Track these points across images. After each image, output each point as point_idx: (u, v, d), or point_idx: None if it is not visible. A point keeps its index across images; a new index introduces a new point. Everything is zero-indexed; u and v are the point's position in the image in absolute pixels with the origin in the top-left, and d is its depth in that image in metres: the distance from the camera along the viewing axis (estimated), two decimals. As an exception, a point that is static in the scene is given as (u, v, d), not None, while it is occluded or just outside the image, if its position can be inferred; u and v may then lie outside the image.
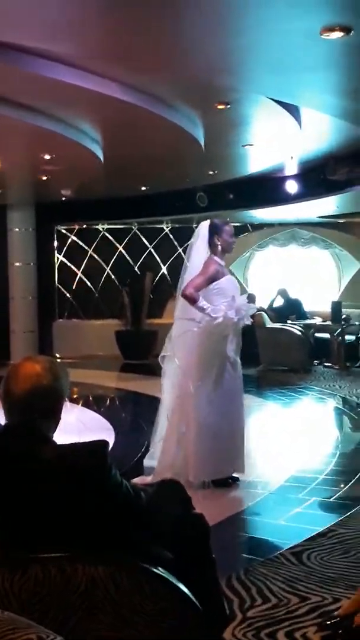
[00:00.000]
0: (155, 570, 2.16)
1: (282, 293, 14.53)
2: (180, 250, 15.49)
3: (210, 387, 5.90)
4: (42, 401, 2.39)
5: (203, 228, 6.13)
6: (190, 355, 5.99)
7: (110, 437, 7.42)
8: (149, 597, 2.11)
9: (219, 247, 6.04)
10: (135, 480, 5.58)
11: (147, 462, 6.25)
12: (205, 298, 5.83)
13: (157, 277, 15.72)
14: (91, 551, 2.18)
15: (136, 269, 15.94)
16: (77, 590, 2.06)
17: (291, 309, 14.18)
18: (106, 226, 15.90)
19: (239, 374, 6.06)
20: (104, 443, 2.33)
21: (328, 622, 3.45)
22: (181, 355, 6.01)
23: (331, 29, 4.51)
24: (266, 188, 12.20)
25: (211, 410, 5.89)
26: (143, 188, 12.69)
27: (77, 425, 8.13)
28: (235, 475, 6.01)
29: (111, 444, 6.32)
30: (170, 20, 4.63)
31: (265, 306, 14.07)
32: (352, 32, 4.54)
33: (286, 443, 7.58)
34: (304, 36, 4.69)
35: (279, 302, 14.53)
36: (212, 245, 6.05)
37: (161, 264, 16.01)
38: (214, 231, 6.06)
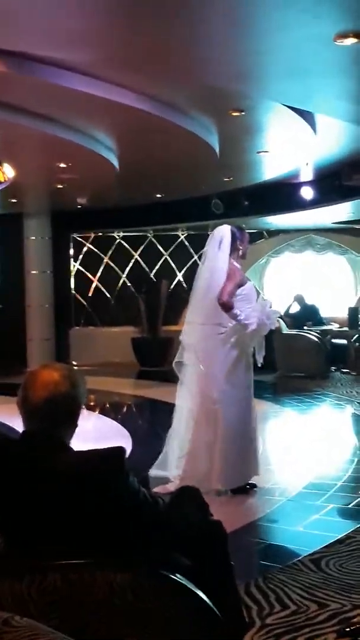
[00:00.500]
0: (173, 577, 2.16)
1: (299, 299, 14.49)
2: (195, 257, 15.49)
3: (239, 393, 5.92)
4: (59, 408, 2.40)
5: (225, 234, 6.05)
6: (216, 361, 5.96)
7: (127, 444, 7.42)
8: (168, 604, 2.11)
9: (240, 253, 6.09)
10: (157, 489, 5.59)
11: (154, 471, 6.16)
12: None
13: (173, 284, 15.72)
14: (110, 558, 2.18)
15: (152, 276, 15.96)
16: (96, 597, 2.06)
17: (308, 315, 14.14)
18: (122, 234, 15.94)
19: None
20: (121, 450, 2.34)
21: (347, 629, 3.45)
22: (206, 361, 5.97)
23: (345, 35, 4.52)
24: (281, 194, 12.20)
25: (238, 416, 5.91)
26: (158, 195, 12.71)
27: (94, 433, 8.15)
28: (252, 482, 5.99)
29: (128, 451, 6.33)
30: (185, 28, 4.65)
31: (282, 312, 14.05)
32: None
33: (304, 450, 7.55)
34: (317, 42, 4.69)
35: (295, 308, 14.49)
36: (233, 250, 6.05)
37: (177, 271, 16.02)
38: (236, 237, 6.07)
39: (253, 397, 6.12)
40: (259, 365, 6.01)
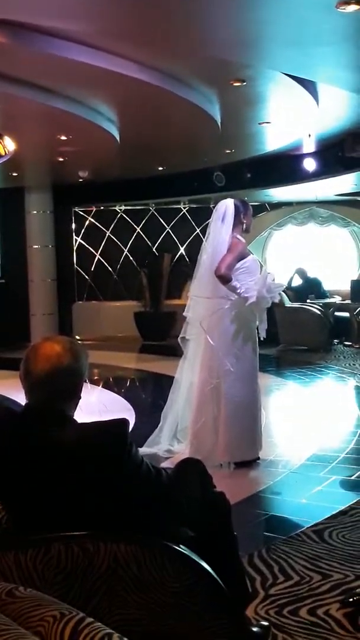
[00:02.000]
0: (177, 548, 2.16)
1: (300, 272, 14.43)
2: (198, 230, 15.45)
3: (243, 367, 5.92)
4: (62, 381, 2.39)
5: (228, 207, 6.03)
6: (223, 334, 5.95)
7: (130, 417, 7.43)
8: (171, 575, 2.12)
9: (244, 226, 6.07)
10: (165, 463, 5.62)
11: (146, 449, 6.09)
12: (234, 277, 5.84)
13: (175, 258, 15.69)
14: (114, 529, 2.18)
15: (154, 249, 15.92)
16: (100, 569, 2.07)
17: (310, 288, 14.10)
18: (123, 207, 15.88)
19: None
20: (125, 422, 2.34)
21: (350, 599, 3.47)
22: (216, 334, 5.94)
23: (347, 2, 4.44)
24: (284, 166, 12.12)
25: (242, 390, 5.91)
26: (160, 168, 12.64)
27: (98, 406, 8.16)
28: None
29: (132, 424, 6.34)
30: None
31: (285, 285, 13.99)
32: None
33: (307, 422, 7.56)
34: (319, 9, 4.62)
35: (298, 281, 14.44)
36: (237, 224, 6.03)
37: (179, 245, 15.98)
38: (239, 210, 6.04)
39: (258, 371, 6.11)
40: (262, 338, 6.01)
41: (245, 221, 6.07)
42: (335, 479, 5.54)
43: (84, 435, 2.32)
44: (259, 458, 5.99)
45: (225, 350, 5.89)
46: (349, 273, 15.32)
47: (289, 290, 13.94)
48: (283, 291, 13.03)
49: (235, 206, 6.04)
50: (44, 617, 1.55)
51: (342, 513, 4.77)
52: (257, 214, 15.55)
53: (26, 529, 2.24)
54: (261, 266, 6.33)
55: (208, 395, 5.96)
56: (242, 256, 5.93)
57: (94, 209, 15.94)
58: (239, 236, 6.01)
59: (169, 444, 6.21)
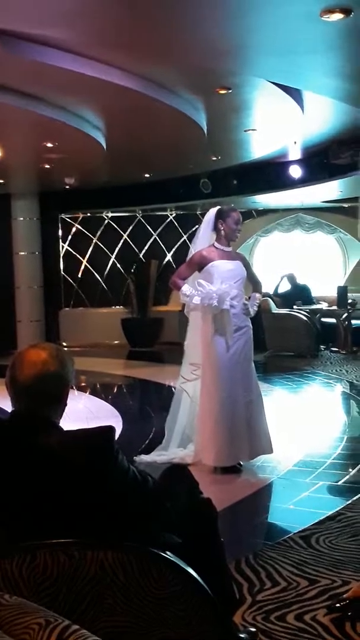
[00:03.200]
0: (164, 555, 2.16)
1: (290, 278, 14.45)
2: (185, 237, 15.47)
3: (207, 373, 5.99)
4: (48, 388, 2.39)
5: (210, 214, 6.16)
6: (198, 342, 6.15)
7: (117, 424, 7.44)
8: (158, 581, 2.11)
9: (222, 233, 6.06)
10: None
11: (144, 457, 6.16)
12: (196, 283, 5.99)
13: (163, 265, 15.69)
14: (100, 537, 2.18)
15: (141, 256, 15.92)
16: (86, 576, 2.06)
17: (298, 294, 14.13)
18: (110, 214, 15.88)
19: (240, 360, 6.01)
20: (111, 429, 2.33)
21: (337, 605, 3.48)
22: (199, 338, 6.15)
23: (331, 11, 4.48)
24: (270, 173, 12.17)
25: (210, 397, 5.95)
26: (146, 175, 12.67)
27: (85, 413, 8.16)
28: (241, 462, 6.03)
29: (119, 431, 6.35)
30: (170, 4, 4.60)
31: (271, 292, 14.04)
32: (353, 13, 4.51)
33: (294, 428, 7.58)
34: (304, 18, 4.65)
35: (286, 286, 14.46)
36: (216, 230, 6.09)
37: (166, 251, 15.99)
38: (218, 217, 6.07)
39: (249, 376, 6.06)
40: (229, 344, 5.94)
41: (222, 228, 6.05)
42: (322, 485, 5.55)
43: (70, 442, 2.32)
44: (240, 465, 5.99)
45: (190, 357, 6.16)
46: (335, 279, 15.37)
47: (276, 296, 13.99)
48: (270, 297, 13.17)
49: (216, 212, 6.11)
50: (30, 624, 1.54)
51: (329, 519, 4.78)
52: (244, 220, 15.52)
53: (12, 537, 2.24)
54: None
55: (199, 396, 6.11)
56: (200, 263, 6.01)
57: (81, 216, 15.93)
58: (218, 244, 6.05)
59: (179, 449, 6.25)
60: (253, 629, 3.23)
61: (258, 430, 6.04)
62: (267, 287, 14.13)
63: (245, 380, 6.03)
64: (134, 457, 6.06)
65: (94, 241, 16.02)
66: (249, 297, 6.22)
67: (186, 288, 6.00)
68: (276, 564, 4.06)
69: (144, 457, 6.13)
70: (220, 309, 5.86)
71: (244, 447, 5.96)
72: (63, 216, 15.87)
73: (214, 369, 5.95)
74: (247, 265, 6.27)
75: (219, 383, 5.93)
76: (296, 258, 15.72)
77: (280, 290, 14.41)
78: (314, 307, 13.71)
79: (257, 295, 6.30)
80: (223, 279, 5.93)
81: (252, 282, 6.43)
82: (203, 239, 6.19)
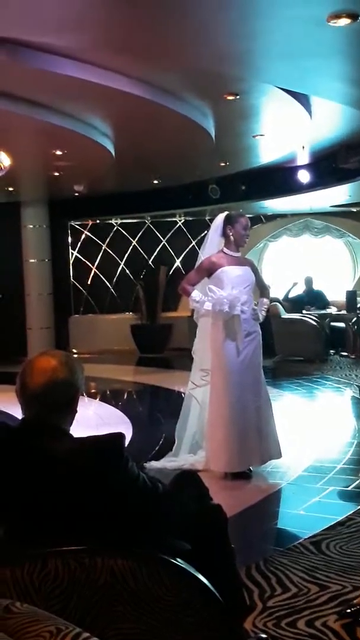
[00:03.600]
0: (174, 561, 2.17)
1: (307, 282, 14.40)
2: (194, 242, 15.49)
3: (215, 378, 6.01)
4: (58, 395, 2.40)
5: (219, 219, 6.18)
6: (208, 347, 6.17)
7: (127, 430, 7.44)
8: (168, 588, 2.12)
9: (231, 238, 6.07)
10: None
11: (154, 463, 6.18)
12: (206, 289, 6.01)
13: (172, 271, 15.71)
14: (110, 544, 2.19)
15: (150, 262, 15.95)
16: (97, 583, 2.07)
17: (311, 299, 14.11)
18: (119, 221, 15.92)
19: (250, 365, 6.02)
20: (121, 435, 2.34)
21: (348, 610, 3.47)
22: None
23: (338, 16, 4.50)
24: (278, 178, 12.17)
25: (220, 401, 5.95)
26: (155, 181, 12.68)
27: (95, 419, 8.17)
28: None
29: (128, 438, 6.35)
30: (177, 10, 4.62)
31: (281, 297, 14.03)
32: (359, 18, 4.52)
33: (304, 433, 7.57)
34: (311, 23, 4.66)
35: (297, 291, 14.42)
36: (224, 236, 6.10)
37: (175, 257, 16.01)
38: (227, 222, 6.09)
39: (258, 382, 6.08)
40: (240, 348, 5.95)
41: (231, 233, 6.06)
42: (332, 490, 5.54)
43: (80, 449, 2.33)
44: (250, 470, 5.99)
45: (200, 363, 6.20)
46: (344, 284, 15.35)
47: (286, 301, 13.98)
48: (279, 302, 13.17)
49: (225, 217, 6.13)
50: (41, 632, 1.55)
51: (340, 524, 4.78)
52: (252, 225, 15.53)
53: (22, 543, 2.25)
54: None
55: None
56: (209, 269, 6.03)
57: (90, 223, 15.97)
58: (227, 250, 6.06)
59: (189, 455, 6.26)
60: (264, 635, 3.23)
61: (267, 435, 6.04)
62: (276, 292, 14.14)
63: (255, 386, 6.04)
64: (144, 464, 6.06)
65: (103, 248, 16.06)
66: (257, 303, 6.23)
67: (196, 294, 6.02)
68: (287, 570, 4.06)
69: (154, 464, 6.14)
70: (232, 314, 5.87)
71: (255, 452, 5.96)
72: (72, 223, 15.92)
73: (224, 374, 5.95)
74: (255, 271, 6.27)
75: (230, 388, 5.93)
76: (305, 263, 15.70)
77: (292, 295, 14.38)
78: (323, 311, 13.69)
79: (266, 300, 6.31)
80: (233, 284, 5.94)
81: (261, 288, 6.44)
82: (212, 244, 6.21)
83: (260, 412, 6.01)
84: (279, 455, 6.10)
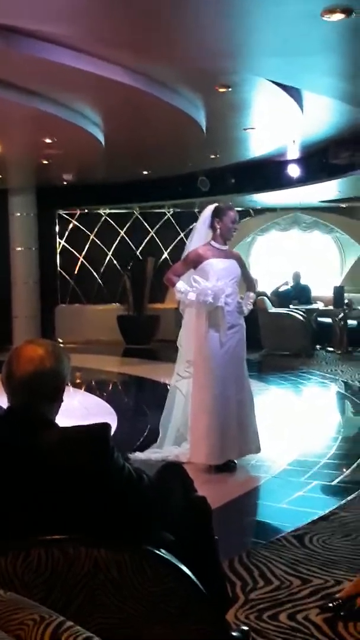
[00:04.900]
0: (157, 552, 2.16)
1: (295, 276, 14.42)
2: (182, 234, 15.48)
3: (197, 371, 6.00)
4: (44, 384, 2.39)
5: (207, 211, 6.15)
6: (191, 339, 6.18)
7: (112, 421, 7.43)
8: (152, 579, 2.12)
9: (218, 232, 6.05)
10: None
11: (139, 455, 6.16)
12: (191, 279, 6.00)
13: (159, 262, 15.69)
14: (94, 534, 2.18)
15: (138, 253, 15.92)
16: (80, 573, 2.06)
17: (297, 293, 14.12)
18: (108, 211, 15.88)
19: (233, 358, 6.01)
20: (106, 425, 2.33)
21: (330, 604, 3.49)
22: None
23: (332, 11, 4.49)
24: (268, 172, 12.17)
25: (200, 394, 5.95)
26: (145, 172, 12.66)
27: (80, 410, 8.16)
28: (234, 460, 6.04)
29: (114, 428, 6.33)
30: (170, 2, 4.60)
31: (269, 291, 14.04)
32: (353, 13, 4.51)
33: (288, 427, 7.59)
34: (305, 18, 4.66)
35: (286, 285, 14.45)
36: (212, 228, 6.09)
37: (163, 249, 16.00)
38: (215, 214, 6.06)
39: (241, 375, 6.07)
40: (222, 341, 5.94)
41: (218, 226, 6.03)
42: (316, 485, 5.56)
43: (66, 438, 2.32)
44: (234, 463, 5.99)
45: (185, 355, 6.19)
46: (331, 279, 15.38)
47: (273, 295, 13.99)
48: (266, 296, 13.18)
49: (213, 210, 6.09)
50: (24, 620, 1.54)
51: (323, 518, 4.79)
52: (241, 219, 15.57)
53: (7, 533, 2.24)
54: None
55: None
56: (195, 261, 6.02)
57: (78, 212, 15.92)
58: (214, 242, 6.05)
59: (174, 447, 6.25)
60: (246, 628, 3.23)
61: (247, 429, 6.05)
62: (264, 286, 14.16)
63: (237, 379, 6.05)
64: (129, 455, 6.06)
65: (90, 238, 16.01)
66: (244, 296, 6.22)
67: (180, 285, 6.01)
68: (269, 563, 4.06)
69: (139, 455, 6.14)
70: (215, 305, 5.87)
71: (234, 445, 5.96)
72: (60, 212, 15.86)
73: (206, 365, 5.96)
74: (242, 264, 6.27)
75: (211, 380, 5.94)
76: (293, 257, 15.72)
77: (283, 288, 14.39)
78: (310, 306, 13.72)
79: (251, 294, 6.29)
80: (218, 276, 5.93)
81: (247, 281, 6.44)
82: (199, 236, 6.19)
83: (241, 406, 6.02)
84: (257, 450, 6.10)
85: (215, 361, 5.94)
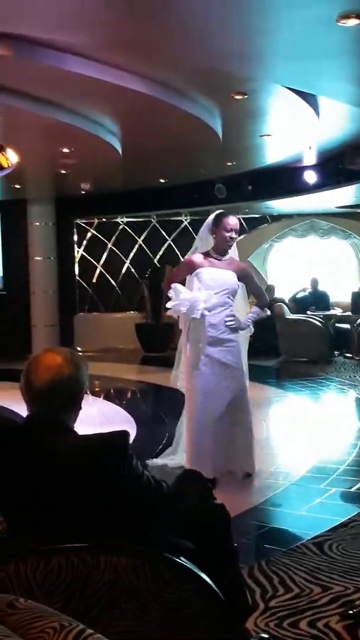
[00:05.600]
0: (177, 560, 2.17)
1: (313, 282, 14.40)
2: (199, 242, 15.46)
3: (191, 383, 5.81)
4: (63, 391, 2.40)
5: (209, 218, 5.91)
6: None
7: (131, 429, 7.43)
8: (171, 586, 2.12)
9: (214, 242, 5.80)
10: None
11: (157, 461, 6.15)
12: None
13: (177, 270, 15.65)
14: (114, 541, 2.19)
15: (155, 261, 15.94)
16: (100, 580, 2.07)
17: (315, 300, 14.10)
18: (125, 219, 15.92)
19: (222, 375, 5.73)
20: (125, 433, 2.34)
21: (350, 612, 3.47)
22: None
23: (347, 16, 4.49)
24: (284, 178, 12.15)
25: (191, 406, 5.81)
26: (162, 180, 12.68)
27: (99, 418, 8.17)
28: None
29: (132, 436, 6.34)
30: (186, 10, 4.62)
31: (286, 297, 14.03)
32: (369, 19, 4.52)
33: (307, 434, 7.56)
34: (320, 23, 4.66)
35: (304, 291, 14.42)
36: (212, 236, 5.83)
37: (180, 257, 15.96)
38: (214, 223, 5.80)
39: (234, 393, 5.77)
40: (202, 354, 5.72)
41: (214, 237, 5.77)
42: (335, 491, 5.53)
43: (85, 446, 2.33)
44: (213, 479, 5.51)
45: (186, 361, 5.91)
46: (349, 285, 15.33)
47: (291, 302, 13.97)
48: (284, 303, 13.16)
49: (214, 217, 5.83)
50: (44, 628, 1.55)
51: (343, 525, 4.77)
52: (258, 225, 15.62)
53: (26, 540, 2.25)
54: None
55: None
56: (186, 270, 5.85)
57: (96, 221, 15.98)
58: (212, 251, 5.78)
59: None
60: (266, 636, 3.23)
61: (235, 448, 5.78)
62: (281, 293, 14.15)
63: (228, 396, 5.71)
64: (147, 461, 6.05)
65: (108, 246, 16.06)
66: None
67: (171, 293, 5.76)
68: (289, 571, 4.05)
69: (157, 461, 6.13)
70: (191, 317, 5.63)
71: (212, 460, 5.65)
72: (78, 221, 15.92)
73: (188, 377, 5.81)
74: (246, 276, 5.96)
75: (192, 391, 5.77)
76: (310, 263, 15.69)
77: (301, 294, 14.38)
78: (328, 312, 13.68)
79: (256, 310, 5.95)
80: (206, 287, 5.64)
81: (255, 295, 6.14)
82: (201, 243, 5.97)
83: (226, 423, 5.72)
84: (247, 469, 5.83)
85: (195, 373, 5.74)
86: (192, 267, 5.81)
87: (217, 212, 5.92)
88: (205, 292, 5.62)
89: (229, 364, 5.73)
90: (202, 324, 5.66)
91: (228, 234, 5.72)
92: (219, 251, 5.80)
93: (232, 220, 5.75)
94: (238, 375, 5.81)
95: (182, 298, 5.64)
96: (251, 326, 6.01)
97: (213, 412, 5.68)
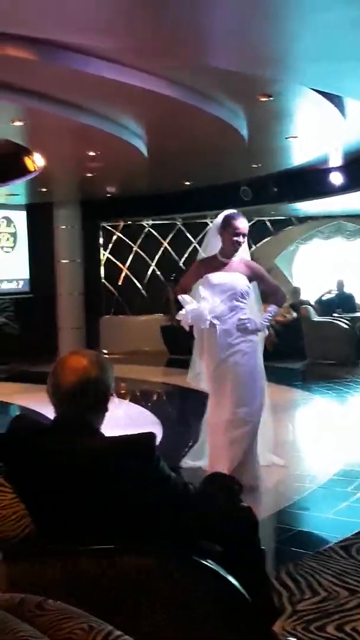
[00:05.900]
0: (204, 562, 2.16)
1: (339, 284, 14.32)
2: (224, 244, 15.44)
3: (209, 382, 5.87)
4: (90, 393, 2.41)
5: (218, 218, 5.74)
6: None
7: (157, 431, 7.44)
8: (199, 589, 2.12)
9: (221, 244, 5.66)
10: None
11: (190, 462, 6.13)
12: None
13: (202, 272, 15.64)
14: (141, 544, 2.19)
15: (181, 264, 15.94)
16: (127, 582, 2.07)
17: (341, 302, 14.02)
18: (151, 222, 15.94)
19: (229, 376, 5.67)
20: (152, 435, 2.34)
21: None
22: None
23: (375, 17, 4.47)
24: (310, 180, 12.11)
25: (209, 408, 5.87)
26: (187, 183, 12.69)
27: (125, 420, 8.18)
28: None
29: (158, 438, 6.35)
30: (211, 12, 4.62)
31: (312, 300, 13.96)
32: None
33: (334, 437, 7.52)
34: (347, 25, 4.64)
35: (330, 294, 14.35)
36: (220, 237, 5.69)
37: (206, 259, 15.98)
38: (222, 223, 5.63)
39: (243, 398, 5.67)
40: (220, 357, 5.70)
41: (221, 239, 5.62)
42: (363, 495, 5.50)
43: (112, 447, 2.33)
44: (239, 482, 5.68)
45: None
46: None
47: (318, 304, 13.91)
48: (310, 305, 13.10)
49: (222, 220, 5.66)
50: (73, 629, 1.56)
51: (370, 529, 4.74)
52: (284, 227, 15.57)
53: (53, 541, 2.26)
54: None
55: None
56: (195, 276, 5.80)
57: (122, 224, 16.02)
58: (219, 254, 5.67)
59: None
60: (293, 639, 3.21)
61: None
62: (307, 295, 14.09)
63: (237, 403, 5.61)
64: (180, 463, 6.05)
65: (134, 249, 16.10)
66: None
67: (182, 298, 5.78)
68: (316, 574, 4.03)
69: (190, 462, 6.11)
70: (202, 327, 5.63)
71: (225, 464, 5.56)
72: (104, 224, 15.98)
73: (208, 380, 5.87)
74: (257, 276, 5.78)
75: (211, 394, 5.85)
76: (337, 265, 15.60)
77: (327, 297, 14.31)
78: (355, 314, 13.59)
79: (273, 308, 5.80)
80: (212, 292, 5.56)
81: (269, 293, 5.96)
82: (210, 245, 5.86)
83: (231, 428, 5.60)
84: (247, 480, 5.41)
85: (211, 378, 5.81)
86: (200, 272, 5.73)
87: (227, 212, 5.71)
88: (211, 300, 5.54)
89: (239, 363, 5.65)
90: (214, 332, 5.62)
91: (235, 238, 5.55)
92: (226, 253, 5.64)
93: (241, 224, 5.58)
94: (245, 383, 5.67)
95: (188, 309, 5.62)
96: (266, 329, 5.85)
97: (223, 414, 5.68)
